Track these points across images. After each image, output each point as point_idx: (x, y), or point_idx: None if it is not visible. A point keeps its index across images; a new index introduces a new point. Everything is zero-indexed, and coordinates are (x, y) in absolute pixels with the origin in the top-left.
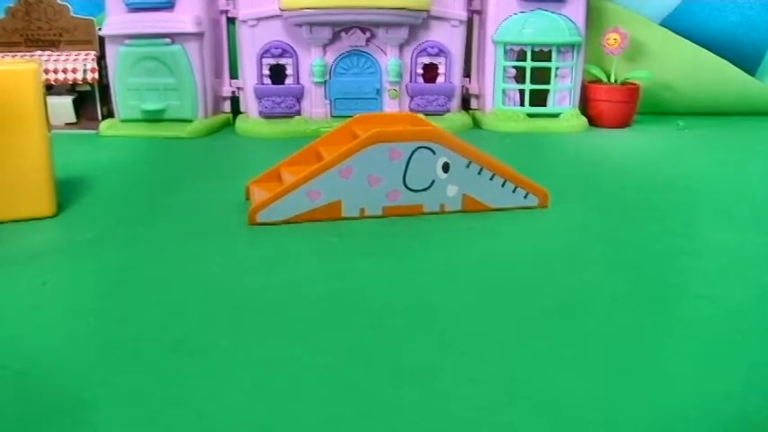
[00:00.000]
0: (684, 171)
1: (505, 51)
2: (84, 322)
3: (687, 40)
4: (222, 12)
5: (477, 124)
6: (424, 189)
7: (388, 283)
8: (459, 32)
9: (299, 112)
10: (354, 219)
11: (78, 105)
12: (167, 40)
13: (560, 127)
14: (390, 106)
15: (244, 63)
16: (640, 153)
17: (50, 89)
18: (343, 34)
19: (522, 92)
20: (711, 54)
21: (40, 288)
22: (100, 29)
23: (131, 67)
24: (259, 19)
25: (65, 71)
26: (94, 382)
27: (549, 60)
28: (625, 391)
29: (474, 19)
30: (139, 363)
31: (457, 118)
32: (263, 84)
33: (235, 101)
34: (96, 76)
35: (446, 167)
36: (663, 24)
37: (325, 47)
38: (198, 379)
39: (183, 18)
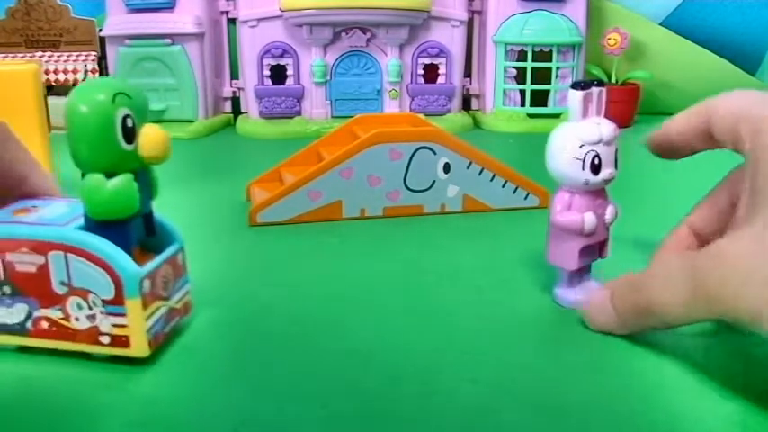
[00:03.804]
0: (684, 171)
1: (506, 52)
2: None
3: (687, 40)
4: (222, 12)
5: (477, 125)
6: (425, 189)
7: (388, 283)
8: (460, 33)
9: (299, 113)
10: (355, 219)
11: None
12: (168, 41)
13: None
14: (391, 107)
15: (244, 63)
16: (640, 153)
17: (51, 90)
18: (343, 35)
19: (522, 92)
20: (711, 54)
21: None
22: (100, 29)
23: (132, 67)
24: (259, 19)
25: (65, 72)
26: (95, 384)
27: (550, 60)
28: (625, 391)
29: (474, 19)
30: (139, 363)
31: (457, 118)
32: (263, 84)
33: (235, 101)
34: (97, 76)
35: (447, 168)
36: (663, 24)
37: (325, 47)
38: (198, 379)
39: (184, 18)
